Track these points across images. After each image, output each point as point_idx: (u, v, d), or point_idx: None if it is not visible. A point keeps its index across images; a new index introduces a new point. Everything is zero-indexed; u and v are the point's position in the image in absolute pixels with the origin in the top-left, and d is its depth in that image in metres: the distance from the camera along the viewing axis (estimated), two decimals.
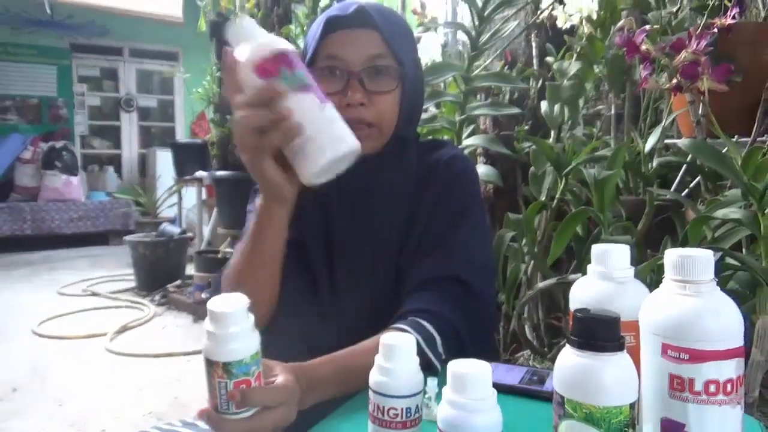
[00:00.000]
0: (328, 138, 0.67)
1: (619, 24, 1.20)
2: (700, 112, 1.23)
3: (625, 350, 0.47)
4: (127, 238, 4.30)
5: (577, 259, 1.34)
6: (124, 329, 3.26)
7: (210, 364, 0.56)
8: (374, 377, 0.56)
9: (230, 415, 0.57)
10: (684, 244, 1.03)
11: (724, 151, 1.13)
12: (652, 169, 1.32)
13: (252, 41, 0.68)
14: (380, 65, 0.84)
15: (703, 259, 0.49)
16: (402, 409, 0.55)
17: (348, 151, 0.69)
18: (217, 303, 0.57)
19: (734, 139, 1.25)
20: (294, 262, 0.88)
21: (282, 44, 0.68)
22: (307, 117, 0.66)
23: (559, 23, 1.47)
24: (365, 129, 0.84)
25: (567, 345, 0.49)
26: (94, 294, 4.08)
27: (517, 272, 1.49)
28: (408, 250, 0.87)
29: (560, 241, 1.18)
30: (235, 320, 0.57)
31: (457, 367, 0.49)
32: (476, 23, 1.55)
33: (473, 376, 0.48)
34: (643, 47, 1.03)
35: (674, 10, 1.36)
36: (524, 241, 1.47)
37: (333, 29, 0.84)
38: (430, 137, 1.58)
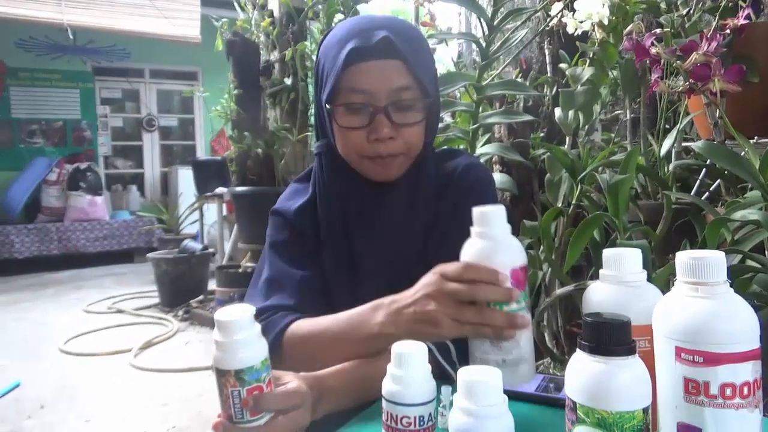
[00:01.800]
0: (527, 368, 0.64)
1: (628, 28, 1.19)
2: (717, 114, 1.22)
3: (637, 354, 0.46)
4: (150, 255, 4.36)
5: (594, 266, 1.33)
6: (148, 345, 3.30)
7: (222, 374, 0.57)
8: (386, 386, 0.56)
9: (245, 423, 0.58)
10: (703, 247, 1.01)
11: (743, 153, 1.11)
12: (668, 172, 1.30)
13: (504, 242, 0.63)
14: (407, 99, 0.81)
15: (715, 260, 0.48)
16: (415, 417, 0.55)
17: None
18: (223, 313, 0.58)
19: (754, 140, 1.23)
20: (318, 286, 0.88)
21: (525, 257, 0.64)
22: (523, 338, 0.63)
23: (569, 30, 1.47)
24: (393, 159, 0.84)
25: (578, 350, 0.48)
26: (119, 311, 4.14)
27: (534, 280, 1.47)
28: (426, 260, 0.87)
29: (576, 247, 1.17)
30: (242, 328, 0.57)
31: (467, 373, 0.49)
32: (486, 33, 1.56)
33: (483, 383, 0.48)
34: (653, 50, 1.02)
35: (684, 12, 1.35)
36: (541, 248, 1.46)
37: (356, 60, 0.79)
38: (444, 147, 1.58)
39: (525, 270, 0.63)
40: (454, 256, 0.85)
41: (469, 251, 0.64)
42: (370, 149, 0.82)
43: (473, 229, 0.64)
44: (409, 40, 0.82)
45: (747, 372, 0.46)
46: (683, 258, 0.49)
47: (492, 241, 0.63)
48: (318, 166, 0.92)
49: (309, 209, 0.92)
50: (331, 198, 0.90)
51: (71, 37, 5.23)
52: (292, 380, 0.63)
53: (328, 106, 0.83)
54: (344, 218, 0.89)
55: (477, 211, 0.63)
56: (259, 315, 0.86)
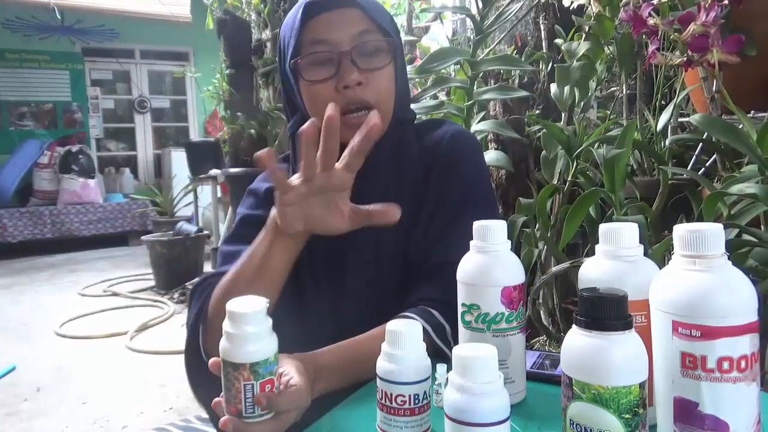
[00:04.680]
0: (515, 388, 0.63)
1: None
2: (713, 88, 1.20)
3: (633, 329, 0.46)
4: (145, 237, 4.34)
5: (590, 243, 1.32)
6: (144, 327, 3.30)
7: (235, 367, 0.54)
8: (381, 364, 0.56)
9: (255, 418, 0.56)
10: (699, 221, 1.00)
11: (741, 127, 1.09)
12: (665, 147, 1.29)
13: (501, 258, 0.63)
14: (371, 41, 0.80)
15: (713, 232, 0.47)
16: (410, 395, 0.54)
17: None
18: (238, 304, 0.56)
19: (750, 115, 1.21)
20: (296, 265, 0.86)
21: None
22: (511, 358, 0.63)
23: (565, 2, 1.44)
24: (366, 113, 0.81)
25: (574, 325, 0.48)
26: (115, 294, 4.13)
27: (530, 257, 1.47)
28: (417, 236, 0.85)
29: (572, 223, 1.16)
30: (258, 320, 0.55)
31: (462, 351, 0.48)
32: (480, 6, 1.53)
33: (479, 360, 0.47)
34: (651, 21, 1.00)
35: None
36: (537, 225, 1.46)
37: (313, 15, 0.80)
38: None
39: (520, 289, 0.62)
40: (447, 229, 0.83)
41: (466, 265, 0.63)
42: (340, 100, 0.79)
43: (473, 243, 0.63)
44: None
45: (745, 345, 0.46)
46: (681, 231, 0.48)
47: (489, 256, 0.62)
48: (293, 150, 0.89)
49: None
50: None
51: (59, 17, 5.14)
52: (289, 364, 0.61)
53: (292, 68, 0.81)
54: None
55: (477, 224, 0.63)
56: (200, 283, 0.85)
